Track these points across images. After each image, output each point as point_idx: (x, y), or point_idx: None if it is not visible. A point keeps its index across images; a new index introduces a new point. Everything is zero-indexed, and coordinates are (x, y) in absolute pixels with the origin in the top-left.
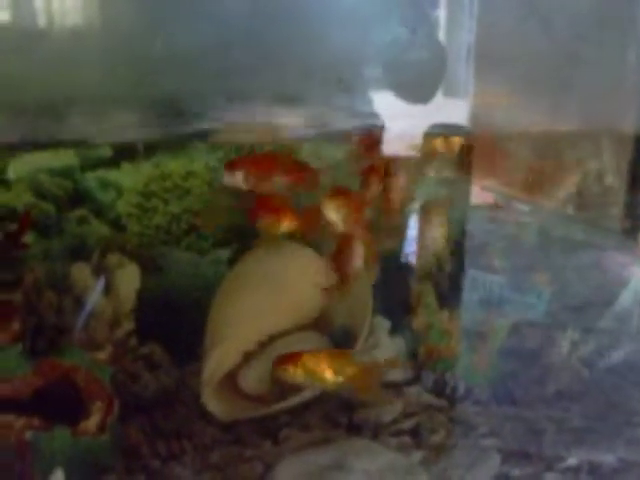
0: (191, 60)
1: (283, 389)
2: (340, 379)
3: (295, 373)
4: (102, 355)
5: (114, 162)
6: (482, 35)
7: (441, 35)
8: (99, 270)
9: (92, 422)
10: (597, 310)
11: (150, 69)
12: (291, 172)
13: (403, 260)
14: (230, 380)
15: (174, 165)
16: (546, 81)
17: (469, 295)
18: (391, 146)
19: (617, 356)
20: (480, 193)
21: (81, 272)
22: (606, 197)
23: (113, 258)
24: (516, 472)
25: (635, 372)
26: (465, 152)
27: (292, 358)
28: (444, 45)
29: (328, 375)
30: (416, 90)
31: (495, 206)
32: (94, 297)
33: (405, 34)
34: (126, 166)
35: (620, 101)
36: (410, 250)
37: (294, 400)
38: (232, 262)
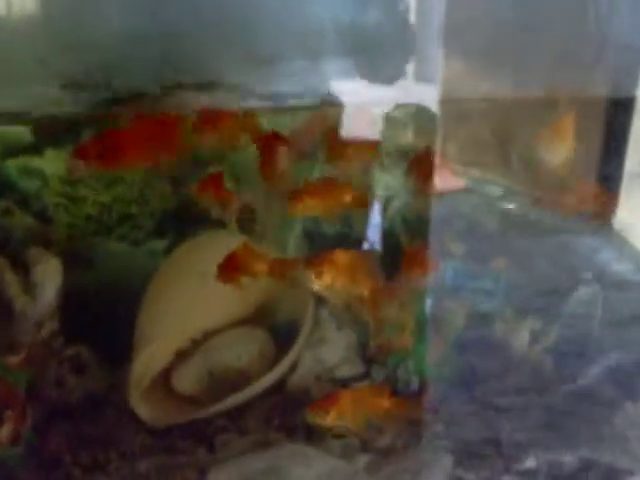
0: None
1: (220, 389)
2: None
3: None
4: (15, 359)
5: (36, 148)
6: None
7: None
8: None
9: (3, 433)
10: (564, 296)
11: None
12: None
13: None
14: (162, 382)
15: None
16: (511, 50)
17: None
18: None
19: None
20: (451, 178)
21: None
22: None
23: (34, 252)
24: (471, 476)
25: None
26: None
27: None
28: (411, 22)
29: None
30: (381, 69)
31: (465, 191)
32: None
33: (370, 11)
34: (50, 152)
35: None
36: (374, 238)
37: (231, 401)
38: (169, 253)
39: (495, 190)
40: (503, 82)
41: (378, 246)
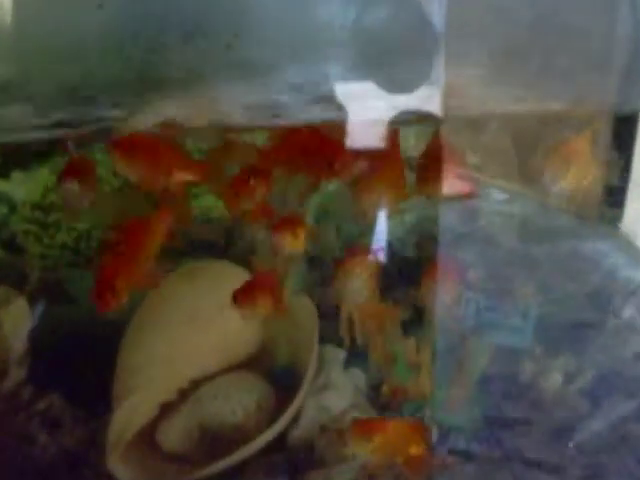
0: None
1: (212, 447)
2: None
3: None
4: None
5: (2, 170)
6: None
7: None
8: None
9: None
10: (578, 302)
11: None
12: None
13: None
14: (145, 438)
15: None
16: (526, 55)
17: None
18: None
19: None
20: (455, 182)
21: None
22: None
23: None
24: None
25: None
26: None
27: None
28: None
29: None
30: (399, 76)
31: (471, 195)
32: None
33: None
34: (17, 174)
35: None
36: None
37: (225, 462)
38: None
39: (500, 194)
40: (516, 92)
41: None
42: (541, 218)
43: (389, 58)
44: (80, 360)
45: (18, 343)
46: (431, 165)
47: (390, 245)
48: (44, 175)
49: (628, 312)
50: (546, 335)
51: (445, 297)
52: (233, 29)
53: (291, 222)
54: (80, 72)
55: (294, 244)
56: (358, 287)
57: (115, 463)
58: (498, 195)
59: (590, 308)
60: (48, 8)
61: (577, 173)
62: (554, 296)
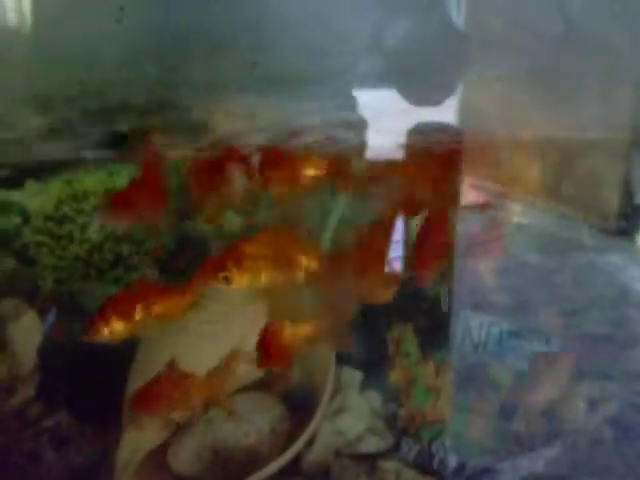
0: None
1: (224, 470)
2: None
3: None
4: None
5: (16, 180)
6: (473, 15)
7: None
8: None
9: None
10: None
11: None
12: None
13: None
14: (156, 460)
15: (90, 182)
16: (553, 73)
17: (460, 340)
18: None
19: None
20: (470, 192)
21: None
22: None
23: (9, 304)
24: None
25: None
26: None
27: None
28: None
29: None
30: (426, 88)
31: (486, 205)
32: None
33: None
34: (31, 185)
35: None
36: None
37: None
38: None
39: (515, 205)
40: (539, 114)
41: None
42: (557, 229)
43: (416, 72)
44: (89, 377)
45: (27, 358)
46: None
47: None
48: (58, 186)
49: None
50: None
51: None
52: (258, 46)
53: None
54: (97, 87)
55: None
56: None
57: None
58: (514, 206)
59: (605, 322)
60: (67, 22)
61: None
62: (568, 309)
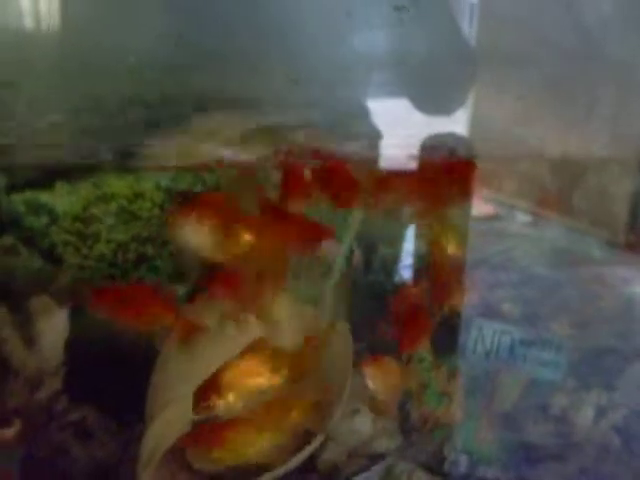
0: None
1: (245, 467)
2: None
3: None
4: (9, 433)
5: (45, 181)
6: (486, 29)
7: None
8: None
9: None
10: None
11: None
12: None
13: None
14: (176, 456)
15: (118, 185)
16: (565, 89)
17: (472, 347)
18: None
19: None
20: (479, 204)
21: None
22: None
23: (38, 301)
24: None
25: None
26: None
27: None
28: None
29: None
30: (437, 99)
31: (495, 217)
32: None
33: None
34: (61, 186)
35: None
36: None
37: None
38: (190, 300)
39: (524, 217)
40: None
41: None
42: (565, 242)
43: (428, 82)
44: (114, 373)
45: (55, 353)
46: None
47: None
48: (86, 188)
49: None
50: (574, 365)
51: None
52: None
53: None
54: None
55: None
56: None
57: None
58: (522, 217)
59: (611, 334)
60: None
61: None
62: (575, 321)
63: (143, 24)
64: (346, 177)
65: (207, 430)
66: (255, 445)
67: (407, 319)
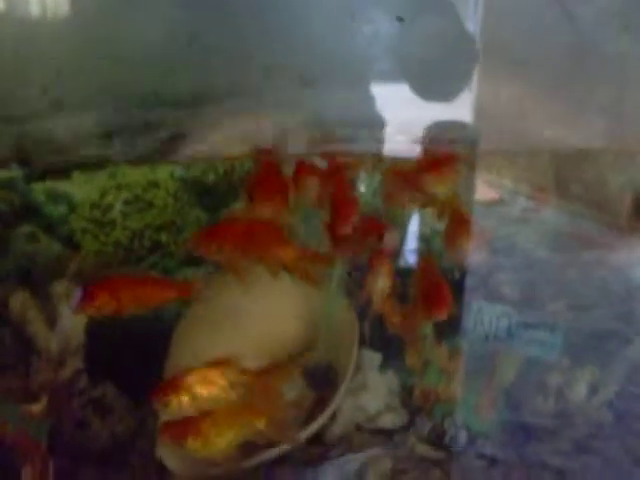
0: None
1: (252, 443)
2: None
3: (180, 402)
4: (37, 408)
5: (64, 172)
6: (489, 24)
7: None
8: (43, 300)
9: None
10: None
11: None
12: None
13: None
14: None
15: (132, 174)
16: (564, 82)
17: (472, 328)
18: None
19: None
20: (484, 189)
21: (22, 302)
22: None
23: (59, 285)
24: None
25: None
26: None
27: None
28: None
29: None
30: (438, 85)
31: (500, 202)
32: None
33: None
34: (78, 176)
35: None
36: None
37: (264, 456)
38: None
39: (527, 202)
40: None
41: None
42: (569, 226)
43: (427, 69)
44: (132, 353)
45: (76, 334)
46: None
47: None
48: (103, 178)
49: None
50: (572, 346)
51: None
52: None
53: None
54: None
55: None
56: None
57: (164, 453)
58: (526, 202)
59: (615, 318)
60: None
61: None
62: (579, 304)
63: (155, 22)
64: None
65: (183, 423)
66: (226, 437)
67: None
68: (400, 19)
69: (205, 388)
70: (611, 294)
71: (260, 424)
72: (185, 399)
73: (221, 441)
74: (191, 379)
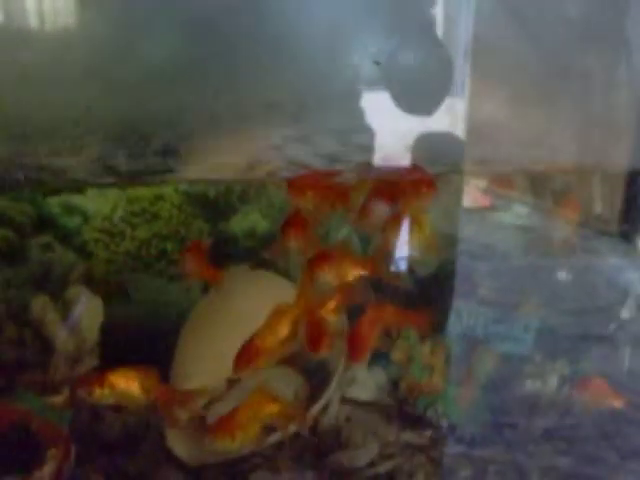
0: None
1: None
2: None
3: (102, 394)
4: (60, 399)
5: (78, 187)
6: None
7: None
8: (61, 303)
9: (46, 471)
10: (592, 316)
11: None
12: None
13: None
14: (198, 421)
15: (141, 189)
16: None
17: (452, 326)
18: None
19: None
20: (476, 195)
21: (42, 305)
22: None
23: (75, 290)
24: None
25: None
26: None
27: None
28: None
29: (137, 393)
30: (417, 100)
31: (491, 208)
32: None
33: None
34: (91, 190)
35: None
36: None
37: (266, 442)
38: (206, 289)
39: (521, 209)
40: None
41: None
42: (558, 232)
43: (410, 84)
44: (142, 350)
45: (91, 334)
46: None
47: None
48: (114, 192)
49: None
50: (551, 347)
51: None
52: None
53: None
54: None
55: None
56: None
57: (173, 441)
58: (518, 208)
59: (602, 322)
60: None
61: None
62: (566, 308)
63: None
64: None
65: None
66: (253, 429)
67: None
68: (377, 63)
69: (123, 385)
70: (600, 299)
71: (274, 408)
72: (106, 392)
73: (248, 434)
74: (114, 376)
